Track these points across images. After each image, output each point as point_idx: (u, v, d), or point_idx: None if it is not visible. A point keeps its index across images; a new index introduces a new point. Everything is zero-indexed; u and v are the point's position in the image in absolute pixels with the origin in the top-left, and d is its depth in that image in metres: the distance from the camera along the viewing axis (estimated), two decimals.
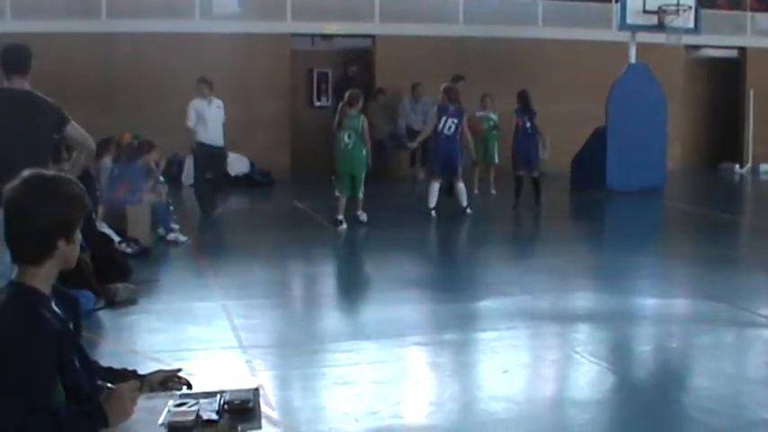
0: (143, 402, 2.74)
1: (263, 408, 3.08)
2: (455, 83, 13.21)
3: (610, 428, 4.91)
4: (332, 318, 7.44)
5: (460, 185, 12.25)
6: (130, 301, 7.28)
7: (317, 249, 10.40)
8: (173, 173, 14.89)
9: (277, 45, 16.70)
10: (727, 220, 13.06)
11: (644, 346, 6.59)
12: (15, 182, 2.70)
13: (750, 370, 5.86)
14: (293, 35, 17.03)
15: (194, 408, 2.68)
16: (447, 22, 17.58)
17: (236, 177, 15.37)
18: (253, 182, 15.93)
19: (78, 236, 2.76)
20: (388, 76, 17.10)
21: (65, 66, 14.33)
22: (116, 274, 7.61)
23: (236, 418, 2.70)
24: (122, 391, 2.68)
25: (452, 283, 8.60)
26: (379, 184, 13.92)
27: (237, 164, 15.53)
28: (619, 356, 6.19)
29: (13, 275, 2.70)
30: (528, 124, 13.35)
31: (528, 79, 15.31)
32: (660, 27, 14.99)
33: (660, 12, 14.86)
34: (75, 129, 5.87)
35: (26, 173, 2.72)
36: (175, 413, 2.66)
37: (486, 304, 7.60)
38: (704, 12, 16.19)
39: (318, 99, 18.03)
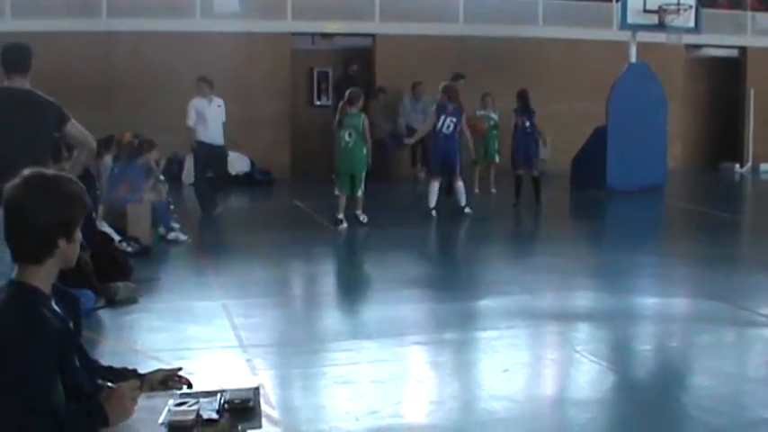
0: (143, 401, 2.74)
1: (264, 407, 3.08)
2: (455, 81, 13.19)
3: (610, 428, 4.91)
4: (332, 317, 7.44)
5: (459, 184, 12.23)
6: (131, 300, 7.28)
7: (318, 248, 10.40)
8: (173, 172, 14.89)
9: (277, 44, 16.70)
10: (727, 219, 13.06)
11: (644, 345, 6.59)
12: (16, 181, 2.69)
13: (750, 369, 5.86)
14: (293, 34, 17.03)
15: (195, 407, 2.68)
16: (447, 22, 17.58)
17: (237, 176, 15.37)
18: (253, 181, 15.94)
19: (79, 235, 2.76)
20: (388, 76, 17.10)
21: (65, 65, 14.34)
22: (116, 273, 7.61)
23: (236, 417, 2.70)
24: (123, 390, 2.68)
25: (453, 283, 8.61)
26: (380, 184, 13.92)
27: (238, 163, 15.54)
28: (619, 356, 6.19)
29: (14, 274, 2.70)
30: (527, 124, 13.35)
31: (528, 78, 15.32)
32: (661, 26, 14.99)
33: (661, 11, 14.86)
34: (75, 127, 5.87)
35: (27, 172, 2.72)
36: (176, 412, 2.66)
37: (486, 303, 7.60)
38: (705, 11, 16.19)
39: (319, 98, 18.03)
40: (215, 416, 2.66)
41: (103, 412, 2.59)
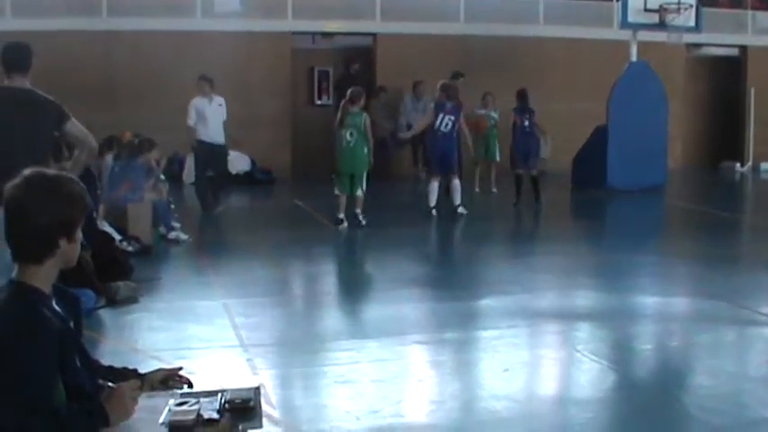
0: (144, 401, 2.73)
1: (264, 406, 3.09)
2: (454, 80, 13.18)
3: (610, 427, 4.91)
4: (333, 316, 7.44)
5: (456, 182, 12.14)
6: (131, 300, 7.28)
7: (318, 248, 10.40)
8: (173, 171, 14.90)
9: (278, 43, 16.70)
10: (727, 218, 13.06)
11: (645, 344, 6.59)
12: (16, 180, 2.69)
13: (751, 368, 5.86)
14: (294, 33, 17.03)
15: (195, 407, 2.68)
16: (448, 21, 17.58)
17: (237, 175, 15.37)
18: (254, 180, 15.94)
19: (79, 235, 2.76)
20: (389, 75, 17.10)
21: (65, 64, 14.33)
22: (117, 273, 7.61)
23: (237, 416, 2.69)
24: (123, 390, 2.68)
25: (453, 282, 8.61)
26: (381, 183, 13.90)
27: (238, 162, 15.54)
28: (620, 355, 6.19)
29: (14, 274, 2.70)
30: (526, 123, 13.35)
31: (529, 77, 15.33)
32: (661, 25, 14.99)
33: (661, 10, 14.87)
34: (75, 126, 5.86)
35: (27, 171, 2.71)
36: (176, 412, 2.66)
37: (486, 303, 7.60)
38: (705, 10, 16.18)
39: (319, 97, 18.02)
40: (216, 416, 2.66)
41: (104, 412, 2.59)
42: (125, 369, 3.03)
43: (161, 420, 2.63)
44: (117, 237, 9.12)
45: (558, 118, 16.14)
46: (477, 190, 14.48)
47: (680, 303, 7.82)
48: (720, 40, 19.21)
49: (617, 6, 16.28)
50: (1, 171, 3.20)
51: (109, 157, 10.47)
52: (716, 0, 19.04)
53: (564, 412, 5.10)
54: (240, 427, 2.66)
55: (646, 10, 14.84)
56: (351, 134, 11.09)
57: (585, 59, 17.55)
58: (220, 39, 16.14)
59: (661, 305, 7.61)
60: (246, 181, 15.72)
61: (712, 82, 20.02)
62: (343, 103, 11.39)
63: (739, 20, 19.62)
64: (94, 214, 8.17)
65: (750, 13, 19.70)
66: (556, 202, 14.24)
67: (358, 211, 11.21)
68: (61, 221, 2.68)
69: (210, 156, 12.34)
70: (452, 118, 11.97)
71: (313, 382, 5.53)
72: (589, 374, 5.70)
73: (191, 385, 3.01)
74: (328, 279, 9.31)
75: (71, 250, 2.73)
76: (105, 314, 6.95)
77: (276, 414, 4.76)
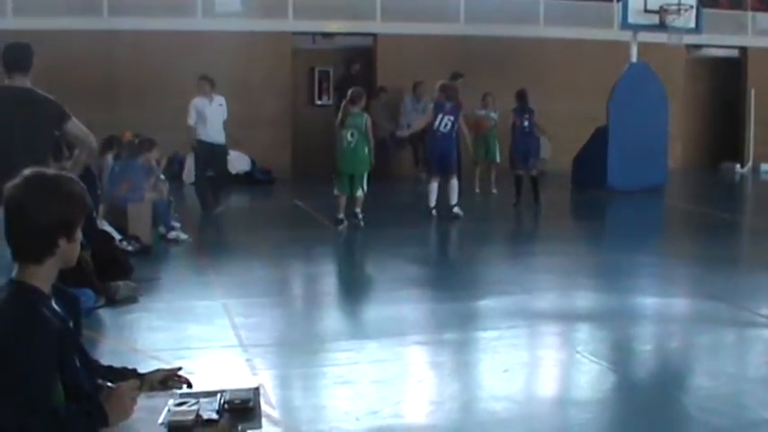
0: (143, 401, 2.73)
1: (264, 407, 3.08)
2: (454, 80, 13.15)
3: (610, 428, 4.91)
4: (332, 317, 7.44)
5: (453, 182, 12.07)
6: (131, 300, 7.28)
7: (318, 248, 10.39)
8: (174, 171, 14.89)
9: (278, 43, 16.70)
10: (727, 219, 13.06)
11: (644, 345, 6.59)
12: (16, 180, 2.69)
13: (750, 369, 5.86)
14: (294, 33, 17.03)
15: (194, 407, 2.68)
16: (448, 21, 17.58)
17: (237, 175, 15.37)
18: (254, 180, 15.93)
19: (79, 234, 2.76)
20: (389, 75, 17.10)
21: (66, 63, 14.33)
22: (117, 273, 7.60)
23: (236, 417, 2.69)
24: (122, 390, 2.68)
25: (453, 282, 8.60)
26: (381, 183, 13.88)
27: (238, 162, 15.53)
28: (619, 356, 6.19)
29: (14, 274, 2.70)
30: (526, 123, 13.35)
31: (529, 78, 15.32)
32: (661, 26, 14.98)
33: (661, 11, 14.86)
34: (75, 125, 5.86)
35: (27, 171, 2.72)
36: (175, 412, 2.66)
37: (486, 303, 7.59)
38: (705, 11, 16.19)
39: (320, 97, 18.01)
40: (215, 416, 2.66)
41: (103, 412, 2.59)
42: (124, 369, 3.03)
43: (160, 420, 2.62)
44: (117, 236, 9.11)
45: (559, 118, 16.12)
46: (477, 191, 14.47)
47: (680, 304, 7.82)
48: (720, 41, 19.21)
49: (617, 7, 16.28)
50: (1, 171, 3.20)
51: (109, 157, 10.46)
52: (716, 1, 19.05)
53: (563, 413, 5.10)
54: (239, 428, 2.65)
55: (646, 11, 14.84)
56: (352, 135, 11.07)
57: (586, 60, 17.54)
58: (221, 39, 16.14)
59: (661, 306, 7.61)
60: (246, 181, 15.71)
61: (712, 83, 20.02)
62: (343, 103, 11.37)
63: (739, 21, 19.62)
64: (94, 214, 8.17)
65: (750, 14, 19.70)
66: (556, 203, 14.24)
67: (357, 210, 11.19)
68: (61, 221, 2.68)
69: (211, 156, 12.34)
70: (451, 118, 11.94)
71: (312, 382, 5.53)
72: (589, 375, 5.69)
73: (190, 385, 3.00)
74: (328, 279, 9.30)
75: (71, 250, 2.73)
76: (105, 314, 6.95)
77: (275, 414, 4.76)
